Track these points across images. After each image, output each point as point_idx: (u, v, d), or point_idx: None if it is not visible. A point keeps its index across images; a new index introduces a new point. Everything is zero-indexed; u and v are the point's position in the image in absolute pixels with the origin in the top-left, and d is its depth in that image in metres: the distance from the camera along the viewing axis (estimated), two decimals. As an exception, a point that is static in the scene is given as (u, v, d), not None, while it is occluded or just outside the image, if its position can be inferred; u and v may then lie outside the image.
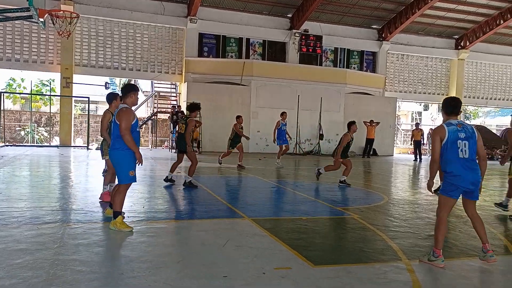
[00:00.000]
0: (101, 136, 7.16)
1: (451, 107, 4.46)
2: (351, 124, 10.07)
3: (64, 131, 20.57)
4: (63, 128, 20.63)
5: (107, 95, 7.29)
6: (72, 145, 20.66)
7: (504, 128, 28.70)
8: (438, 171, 4.53)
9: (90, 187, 8.62)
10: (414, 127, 22.77)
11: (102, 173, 10.29)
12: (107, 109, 7.01)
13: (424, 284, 3.85)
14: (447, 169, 4.31)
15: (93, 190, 7.39)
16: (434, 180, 4.54)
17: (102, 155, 7.24)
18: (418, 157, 20.59)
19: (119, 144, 5.18)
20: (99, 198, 6.82)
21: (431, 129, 25.49)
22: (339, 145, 10.02)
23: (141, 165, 5.34)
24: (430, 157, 4.51)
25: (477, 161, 4.35)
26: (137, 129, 5.32)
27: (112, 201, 5.45)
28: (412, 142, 21.94)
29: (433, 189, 4.63)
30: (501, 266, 4.39)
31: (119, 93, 6.32)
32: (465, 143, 4.27)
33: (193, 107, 9.15)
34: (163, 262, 4.10)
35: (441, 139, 4.28)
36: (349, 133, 9.89)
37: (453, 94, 26.96)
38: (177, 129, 9.50)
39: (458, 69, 27.11)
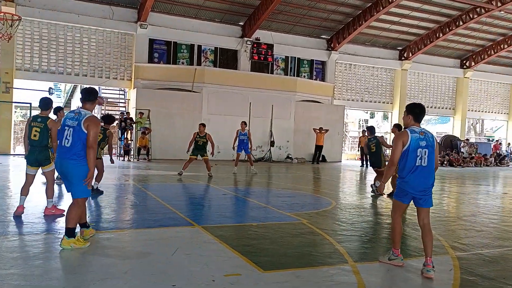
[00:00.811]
0: (50, 147, 6.44)
1: (417, 114, 4.50)
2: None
3: (3, 138, 19.44)
4: (2, 136, 19.48)
5: (46, 100, 6.62)
6: (11, 153, 19.58)
7: (443, 135, 30.37)
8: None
9: (30, 198, 8.20)
10: (361, 134, 23.57)
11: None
12: (54, 120, 6.65)
13: (368, 284, 3.99)
14: (402, 175, 4.44)
15: (33, 200, 7.03)
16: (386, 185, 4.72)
17: (42, 165, 6.49)
18: (365, 163, 21.30)
19: (80, 153, 4.79)
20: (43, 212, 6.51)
21: (382, 136, 26.52)
22: (380, 150, 10.01)
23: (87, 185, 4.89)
24: (389, 161, 4.56)
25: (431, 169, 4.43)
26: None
27: (67, 223, 4.77)
28: (359, 148, 22.67)
29: (386, 193, 4.78)
30: (442, 265, 4.62)
31: (78, 96, 5.98)
32: (425, 151, 4.35)
33: (109, 119, 9.31)
34: (109, 273, 3.98)
35: (403, 144, 4.36)
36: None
37: (397, 102, 28.25)
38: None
39: (402, 79, 28.43)
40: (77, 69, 20.66)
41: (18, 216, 6.21)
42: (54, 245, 4.86)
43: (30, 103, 20.49)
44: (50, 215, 6.37)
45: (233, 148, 14.86)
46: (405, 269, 4.52)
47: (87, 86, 5.78)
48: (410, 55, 27.61)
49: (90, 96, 5.10)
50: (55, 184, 7.00)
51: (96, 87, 23.72)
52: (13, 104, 19.98)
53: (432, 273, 4.23)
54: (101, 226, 5.92)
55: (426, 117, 37.34)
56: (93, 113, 5.17)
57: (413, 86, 29.75)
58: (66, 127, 4.89)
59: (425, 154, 4.34)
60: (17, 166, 14.37)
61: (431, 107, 30.32)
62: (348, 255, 4.87)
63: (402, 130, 4.62)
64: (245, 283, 3.88)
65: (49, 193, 6.55)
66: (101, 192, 8.69)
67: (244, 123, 14.87)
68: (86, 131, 4.78)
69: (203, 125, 12.91)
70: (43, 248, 4.79)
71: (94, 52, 20.88)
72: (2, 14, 13.77)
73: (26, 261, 4.26)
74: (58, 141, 4.97)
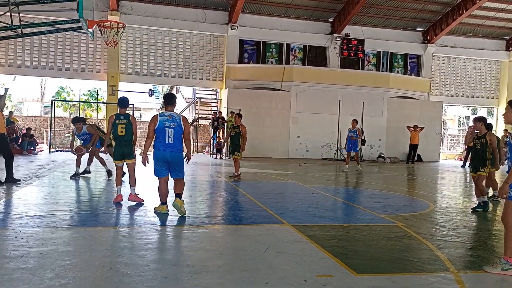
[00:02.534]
0: (133, 142, 7.47)
1: None
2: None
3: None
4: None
5: (126, 100, 7.63)
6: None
7: (560, 133, 27.04)
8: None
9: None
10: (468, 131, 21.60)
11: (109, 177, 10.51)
12: (132, 116, 7.53)
13: (475, 297, 3.67)
14: None
15: (138, 194, 7.56)
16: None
17: (127, 159, 7.36)
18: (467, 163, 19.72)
19: (182, 147, 6.30)
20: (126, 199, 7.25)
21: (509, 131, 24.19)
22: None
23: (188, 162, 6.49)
24: None
25: None
26: None
27: (179, 190, 6.37)
28: (466, 147, 20.82)
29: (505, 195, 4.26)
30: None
31: (163, 100, 6.77)
32: None
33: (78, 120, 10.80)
34: (205, 266, 4.14)
35: None
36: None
37: (504, 97, 25.77)
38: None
39: (509, 71, 25.85)
40: (173, 71, 21.91)
41: (117, 203, 7.12)
42: (155, 238, 5.19)
43: (133, 104, 22.15)
44: (137, 201, 7.15)
45: (344, 148, 14.89)
46: (518, 282, 4.08)
47: (168, 91, 6.93)
48: (520, 44, 25.00)
49: (172, 100, 6.43)
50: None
51: (191, 88, 25.00)
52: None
53: None
54: (197, 221, 6.19)
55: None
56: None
57: (524, 78, 26.91)
58: (166, 128, 6.13)
59: None
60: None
61: (545, 102, 27.16)
62: (449, 262, 4.53)
63: None
64: (337, 285, 3.78)
65: (132, 181, 7.29)
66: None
67: (355, 121, 14.79)
68: (184, 129, 6.23)
69: (239, 115, 11.65)
70: (146, 240, 5.13)
71: (189, 54, 21.97)
72: (108, 22, 15.01)
73: (132, 251, 4.60)
74: (160, 137, 6.17)
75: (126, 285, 3.60)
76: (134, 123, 7.42)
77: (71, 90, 38.08)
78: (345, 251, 4.88)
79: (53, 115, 20.87)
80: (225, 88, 21.73)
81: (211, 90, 24.21)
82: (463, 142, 22.37)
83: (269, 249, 4.76)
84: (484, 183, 7.99)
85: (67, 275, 3.76)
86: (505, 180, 4.24)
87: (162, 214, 6.32)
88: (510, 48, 25.49)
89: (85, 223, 5.76)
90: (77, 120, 10.73)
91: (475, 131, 7.79)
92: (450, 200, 9.38)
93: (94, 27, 13.65)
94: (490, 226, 6.57)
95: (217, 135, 20.07)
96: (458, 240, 5.57)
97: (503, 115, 4.49)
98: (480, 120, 7.69)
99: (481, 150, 7.52)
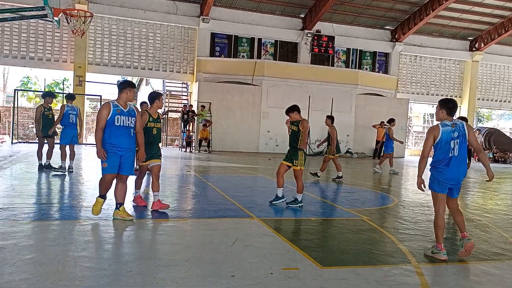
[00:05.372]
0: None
1: (450, 108, 4.66)
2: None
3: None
4: (75, 126, 20.79)
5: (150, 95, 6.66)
6: (83, 142, 20.85)
7: (518, 131, 28.27)
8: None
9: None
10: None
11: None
12: (144, 110, 6.65)
13: (433, 287, 3.81)
14: (437, 166, 4.60)
15: (163, 200, 7.32)
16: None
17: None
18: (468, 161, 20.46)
19: None
20: (133, 202, 6.75)
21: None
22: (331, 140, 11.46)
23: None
24: (421, 154, 4.74)
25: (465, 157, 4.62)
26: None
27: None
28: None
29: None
30: (513, 271, 4.33)
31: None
32: (457, 141, 4.55)
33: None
34: (172, 260, 4.12)
35: (434, 138, 4.57)
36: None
37: (466, 96, 26.71)
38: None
39: (472, 71, 26.79)
40: (143, 63, 21.54)
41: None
42: (121, 231, 5.11)
43: (100, 96, 21.68)
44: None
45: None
46: (474, 273, 4.27)
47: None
48: (482, 45, 25.94)
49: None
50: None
51: (160, 81, 24.66)
52: (85, 97, 21.24)
53: (472, 241, 4.59)
54: (165, 214, 6.14)
55: (499, 112, 34.84)
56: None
57: (485, 78, 27.96)
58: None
59: (457, 144, 4.53)
60: (88, 155, 15.30)
61: (505, 101, 28.36)
62: (411, 254, 4.68)
63: (434, 125, 4.69)
64: (303, 277, 3.85)
65: (137, 184, 7.04)
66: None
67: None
68: None
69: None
70: (111, 234, 5.06)
71: (159, 46, 21.65)
72: (76, 11, 14.59)
73: (96, 245, 4.52)
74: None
75: (89, 280, 3.54)
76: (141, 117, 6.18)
77: (38, 80, 36.81)
78: (311, 244, 4.96)
79: (16, 105, 20.14)
80: (195, 81, 21.54)
81: (182, 83, 23.95)
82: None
83: (236, 242, 4.78)
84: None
85: (28, 270, 3.66)
86: (418, 174, 4.66)
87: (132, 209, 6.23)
88: (473, 49, 26.40)
89: (48, 216, 5.61)
90: (71, 97, 10.63)
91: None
92: (413, 194, 9.67)
93: (60, 15, 13.22)
94: (450, 220, 6.82)
95: (187, 129, 19.92)
96: (419, 234, 5.76)
97: (435, 113, 4.84)
98: (294, 109, 7.74)
99: (292, 137, 7.44)
